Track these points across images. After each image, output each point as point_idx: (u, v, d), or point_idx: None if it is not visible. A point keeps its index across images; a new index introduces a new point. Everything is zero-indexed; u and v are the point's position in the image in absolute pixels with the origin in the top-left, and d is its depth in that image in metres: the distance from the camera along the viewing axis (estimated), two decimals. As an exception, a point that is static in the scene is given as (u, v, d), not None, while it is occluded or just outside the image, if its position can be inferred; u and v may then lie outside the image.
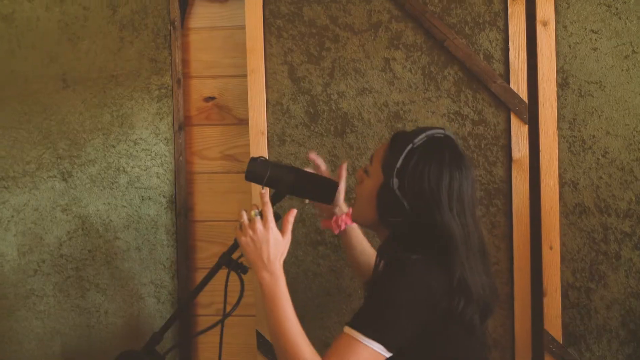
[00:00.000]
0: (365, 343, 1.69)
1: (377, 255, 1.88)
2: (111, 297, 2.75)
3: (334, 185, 2.10)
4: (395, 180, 1.78)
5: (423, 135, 1.81)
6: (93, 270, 2.75)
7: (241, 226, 1.86)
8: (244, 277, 1.98)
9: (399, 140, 1.85)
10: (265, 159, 2.09)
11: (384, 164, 1.84)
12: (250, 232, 1.83)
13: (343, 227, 2.19)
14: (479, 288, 1.77)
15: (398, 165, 1.78)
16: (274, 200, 2.05)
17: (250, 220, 1.85)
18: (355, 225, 2.20)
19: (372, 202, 1.86)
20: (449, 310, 1.73)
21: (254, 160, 2.08)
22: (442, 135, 1.85)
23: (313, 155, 2.21)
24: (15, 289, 2.78)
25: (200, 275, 2.77)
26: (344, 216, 2.18)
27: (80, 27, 2.73)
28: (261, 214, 1.85)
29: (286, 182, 2.04)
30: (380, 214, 1.84)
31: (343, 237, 2.23)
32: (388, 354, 1.71)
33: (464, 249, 1.76)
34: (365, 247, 2.24)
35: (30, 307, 2.78)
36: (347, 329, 1.73)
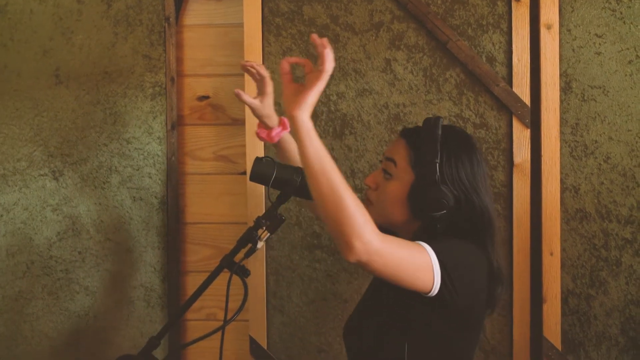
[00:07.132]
0: (429, 253, 1.68)
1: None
2: (100, 300, 2.68)
3: None
4: (438, 175, 1.79)
5: (439, 125, 1.82)
6: (83, 272, 2.68)
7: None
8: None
9: (420, 135, 1.84)
10: (271, 159, 2.02)
11: (415, 162, 1.83)
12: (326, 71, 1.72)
13: (277, 139, 2.13)
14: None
15: (438, 160, 1.79)
16: (279, 201, 2.01)
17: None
18: (289, 135, 2.13)
19: (402, 203, 1.84)
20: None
21: (259, 160, 2.02)
22: (446, 124, 1.89)
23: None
24: (3, 290, 2.71)
25: (190, 279, 2.70)
26: (278, 128, 2.11)
27: (75, 22, 2.66)
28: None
29: (292, 183, 1.98)
30: (420, 211, 1.82)
31: (279, 145, 2.16)
32: (435, 288, 1.67)
33: (494, 230, 1.87)
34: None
35: (19, 310, 2.70)
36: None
